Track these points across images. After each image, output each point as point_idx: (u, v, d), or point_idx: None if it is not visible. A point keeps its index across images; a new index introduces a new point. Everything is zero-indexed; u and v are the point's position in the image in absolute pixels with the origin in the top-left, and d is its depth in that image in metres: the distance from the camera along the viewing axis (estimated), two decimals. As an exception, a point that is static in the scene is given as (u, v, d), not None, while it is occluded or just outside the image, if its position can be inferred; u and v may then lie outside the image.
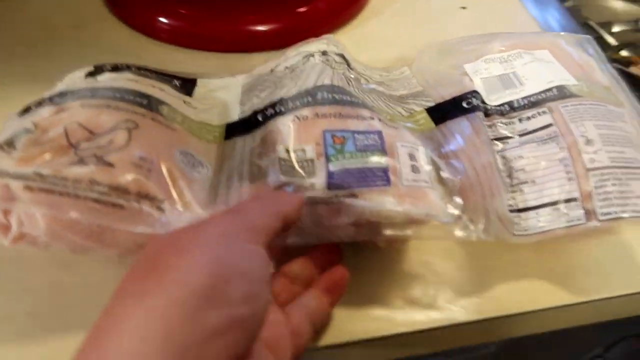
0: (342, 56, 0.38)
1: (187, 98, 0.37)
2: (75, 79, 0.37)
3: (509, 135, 0.33)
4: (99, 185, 0.26)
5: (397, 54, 0.45)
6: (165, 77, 0.38)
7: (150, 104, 0.32)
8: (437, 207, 0.29)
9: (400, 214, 0.28)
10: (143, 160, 0.27)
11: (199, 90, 0.39)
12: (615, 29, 0.75)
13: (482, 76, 0.37)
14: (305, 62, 0.37)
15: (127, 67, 0.38)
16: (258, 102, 0.35)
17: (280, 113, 0.32)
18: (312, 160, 0.29)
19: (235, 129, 0.35)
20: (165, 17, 0.45)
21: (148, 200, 0.27)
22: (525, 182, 0.31)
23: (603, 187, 0.30)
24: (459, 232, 0.29)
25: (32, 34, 0.47)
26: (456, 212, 0.29)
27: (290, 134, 0.30)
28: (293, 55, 0.38)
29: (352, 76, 0.37)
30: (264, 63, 0.41)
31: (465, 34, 0.47)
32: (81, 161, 0.26)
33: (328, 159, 0.29)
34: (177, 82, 0.38)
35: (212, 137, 0.34)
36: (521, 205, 0.31)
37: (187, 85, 0.39)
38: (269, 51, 0.44)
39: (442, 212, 0.29)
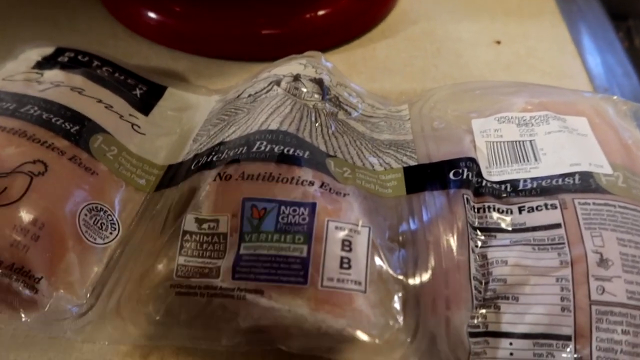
0: (320, 82, 0.31)
1: (139, 119, 0.31)
2: (22, 64, 0.32)
3: (501, 226, 0.25)
4: None
5: (402, 86, 0.37)
6: (127, 83, 0.33)
7: (80, 133, 0.27)
8: (362, 319, 0.21)
9: (310, 324, 0.21)
10: (32, 222, 0.22)
11: (162, 104, 0.33)
12: None
13: (490, 139, 0.28)
14: (269, 90, 0.30)
15: (89, 62, 0.33)
16: (204, 141, 0.29)
17: (209, 165, 0.26)
18: (224, 237, 0.23)
19: (171, 175, 0.29)
20: (155, 13, 0.40)
21: (22, 276, 0.22)
22: (505, 298, 0.23)
23: (609, 332, 0.21)
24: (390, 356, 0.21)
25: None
26: (393, 324, 0.22)
27: (206, 198, 0.24)
28: (262, 78, 0.32)
29: (327, 109, 0.30)
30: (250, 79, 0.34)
31: (490, 75, 0.39)
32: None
33: (242, 238, 0.23)
34: (139, 91, 0.33)
35: (144, 181, 0.28)
36: (492, 328, 0.23)
37: (150, 95, 0.33)
38: (267, 61, 0.37)
39: (367, 326, 0.21)
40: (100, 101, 0.30)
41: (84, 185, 0.25)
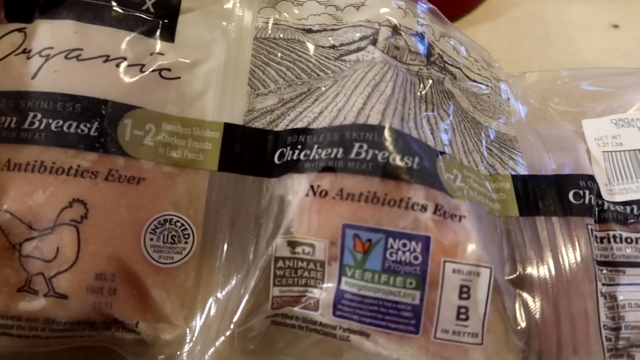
0: (422, 37, 0.25)
1: (164, 54, 0.22)
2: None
3: (630, 260, 0.22)
4: (56, 324, 0.19)
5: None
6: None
7: (103, 131, 0.20)
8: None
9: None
10: (101, 278, 0.19)
11: (185, 18, 0.23)
12: None
13: (608, 148, 0.25)
14: (362, 49, 0.24)
15: None
16: (276, 106, 0.23)
17: (296, 166, 0.21)
18: (322, 264, 0.20)
19: (236, 149, 0.22)
20: None
21: (120, 325, 0.20)
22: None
23: None
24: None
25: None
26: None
27: (298, 217, 0.21)
28: (351, 24, 0.25)
29: (433, 77, 0.25)
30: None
31: (606, 64, 0.35)
32: (30, 285, 0.19)
33: (342, 271, 0.20)
34: (149, 2, 0.23)
35: (201, 156, 0.22)
36: (623, 381, 0.20)
37: (166, 4, 0.23)
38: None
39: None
40: (107, 57, 0.21)
41: (134, 204, 0.20)
